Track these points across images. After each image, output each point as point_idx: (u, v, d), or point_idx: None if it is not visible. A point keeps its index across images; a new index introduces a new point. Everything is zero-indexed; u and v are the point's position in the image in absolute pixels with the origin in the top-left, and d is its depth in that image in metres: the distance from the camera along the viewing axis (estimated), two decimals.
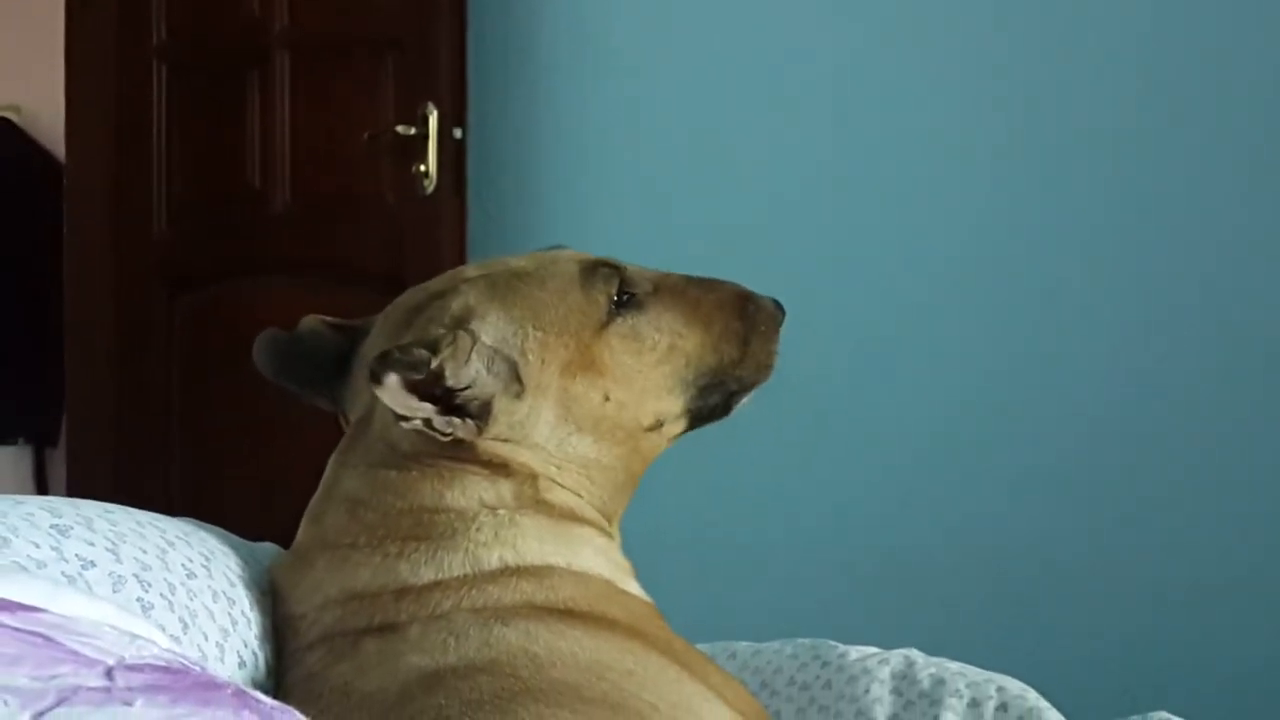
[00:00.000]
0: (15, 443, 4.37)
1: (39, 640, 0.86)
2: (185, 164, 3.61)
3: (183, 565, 1.28)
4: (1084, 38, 2.73)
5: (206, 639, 1.24)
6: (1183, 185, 2.65)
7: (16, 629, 0.86)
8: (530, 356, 1.31)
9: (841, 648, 1.66)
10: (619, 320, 1.35)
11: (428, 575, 1.27)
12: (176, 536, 1.32)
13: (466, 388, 1.29)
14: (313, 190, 3.38)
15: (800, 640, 1.70)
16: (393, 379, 1.25)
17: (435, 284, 1.38)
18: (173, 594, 1.24)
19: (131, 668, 0.87)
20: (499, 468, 1.31)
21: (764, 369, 1.41)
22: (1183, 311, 2.65)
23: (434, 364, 1.26)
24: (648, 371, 1.35)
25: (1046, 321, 2.76)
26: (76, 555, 1.20)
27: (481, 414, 1.29)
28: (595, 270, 1.36)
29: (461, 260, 3.05)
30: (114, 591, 1.19)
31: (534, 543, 1.30)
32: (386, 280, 2.93)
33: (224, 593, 1.30)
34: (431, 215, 3.15)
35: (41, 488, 4.36)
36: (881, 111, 2.89)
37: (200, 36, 3.59)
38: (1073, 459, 2.72)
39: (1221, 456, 2.61)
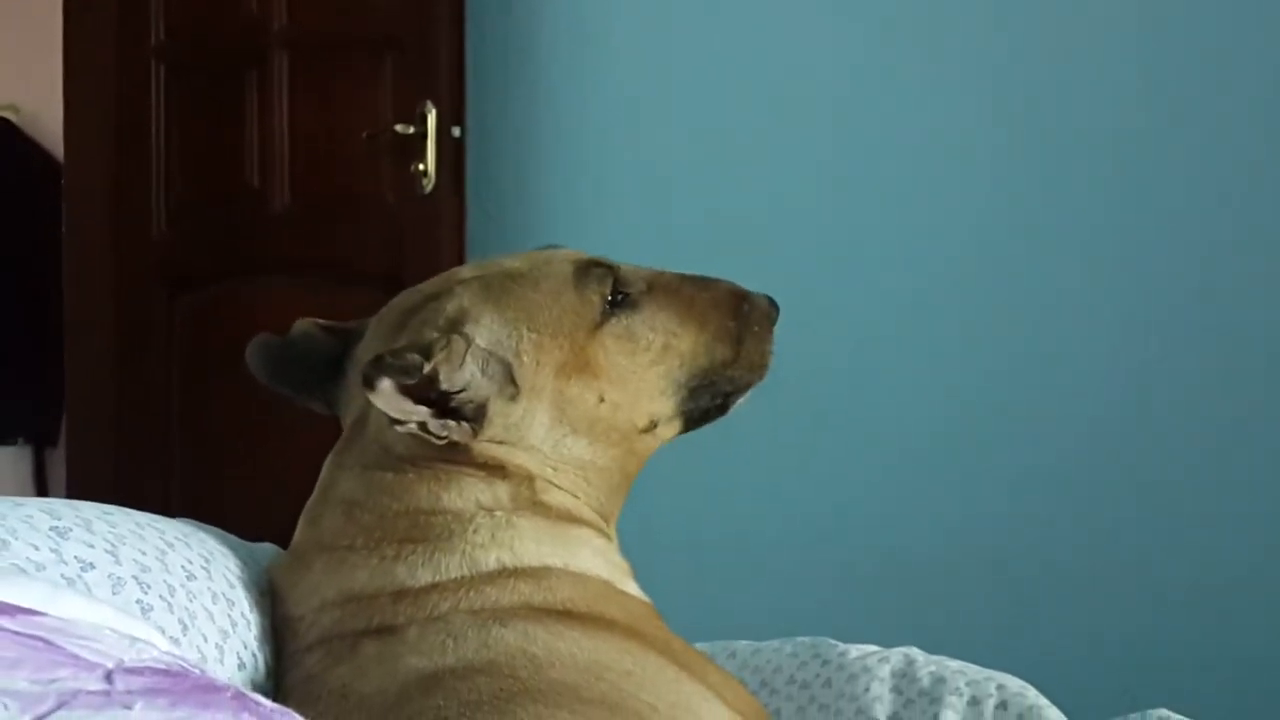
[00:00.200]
0: (15, 443, 4.38)
1: (38, 643, 0.86)
2: (184, 164, 3.61)
3: (182, 567, 1.28)
4: (1084, 37, 2.73)
5: (206, 640, 1.24)
6: (1182, 185, 2.65)
7: (16, 632, 0.86)
8: (525, 358, 1.31)
9: (841, 646, 1.66)
10: (613, 320, 1.35)
11: (425, 577, 1.27)
12: (176, 538, 1.32)
13: (461, 390, 1.29)
14: (312, 190, 3.38)
15: (800, 639, 1.70)
16: (387, 383, 1.24)
17: (429, 286, 1.38)
18: (172, 595, 1.24)
19: (131, 671, 0.87)
20: (495, 469, 1.31)
21: (758, 369, 1.41)
22: (1182, 311, 2.65)
23: (428, 368, 1.26)
24: (642, 372, 1.35)
25: (1046, 320, 2.76)
26: (76, 557, 1.20)
27: (476, 416, 1.29)
28: (589, 270, 1.36)
29: (461, 259, 3.05)
30: (113, 593, 1.19)
31: (531, 544, 1.30)
32: (386, 279, 2.93)
33: (223, 594, 1.30)
34: (430, 214, 3.15)
35: (41, 488, 4.36)
36: (881, 110, 2.89)
37: (199, 36, 3.59)
38: (1072, 457, 2.72)
39: (1221, 455, 2.61)
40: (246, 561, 1.38)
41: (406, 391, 1.26)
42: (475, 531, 1.29)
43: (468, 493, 1.30)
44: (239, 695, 0.88)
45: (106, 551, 1.22)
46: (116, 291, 3.69)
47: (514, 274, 1.35)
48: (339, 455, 1.36)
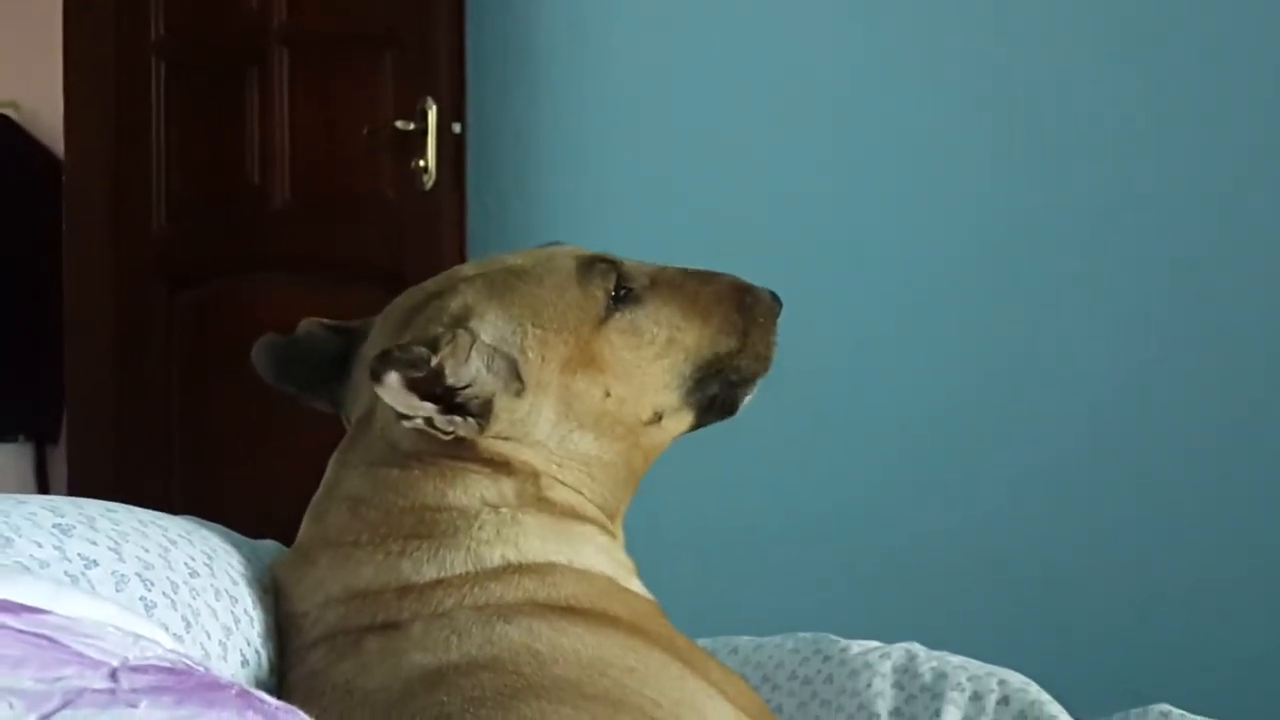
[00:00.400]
0: (16, 440, 4.38)
1: (43, 642, 0.86)
2: (184, 161, 3.61)
3: (185, 564, 1.28)
4: (1084, 37, 2.72)
5: (209, 637, 1.24)
6: (1182, 184, 2.65)
7: (21, 631, 0.86)
8: (530, 354, 1.31)
9: (843, 642, 1.66)
10: (617, 315, 1.35)
11: (430, 573, 1.27)
12: (178, 535, 1.32)
13: (467, 386, 1.29)
14: (312, 186, 3.38)
15: (802, 635, 1.70)
16: (393, 377, 1.25)
17: (433, 284, 1.38)
18: (175, 593, 1.24)
19: (136, 669, 0.87)
20: (500, 466, 1.31)
21: (762, 360, 1.41)
22: (1182, 310, 2.65)
23: (434, 362, 1.26)
24: (646, 366, 1.35)
25: (1046, 319, 2.76)
26: (79, 555, 1.20)
27: (482, 412, 1.30)
28: (592, 266, 1.36)
29: (461, 255, 3.05)
30: (117, 591, 1.19)
31: (536, 540, 1.30)
32: (387, 276, 2.94)
33: (226, 591, 1.30)
34: (431, 210, 3.15)
35: (42, 485, 4.36)
36: (881, 109, 2.89)
37: (199, 33, 3.59)
38: (1073, 454, 2.72)
39: (1221, 453, 2.61)
40: (249, 558, 1.38)
41: (413, 387, 1.26)
42: (480, 528, 1.29)
43: (473, 489, 1.31)
44: (244, 693, 0.88)
45: (110, 549, 1.22)
46: (117, 289, 3.70)
47: (517, 271, 1.36)
48: (344, 453, 1.36)
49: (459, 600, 1.26)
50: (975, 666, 1.61)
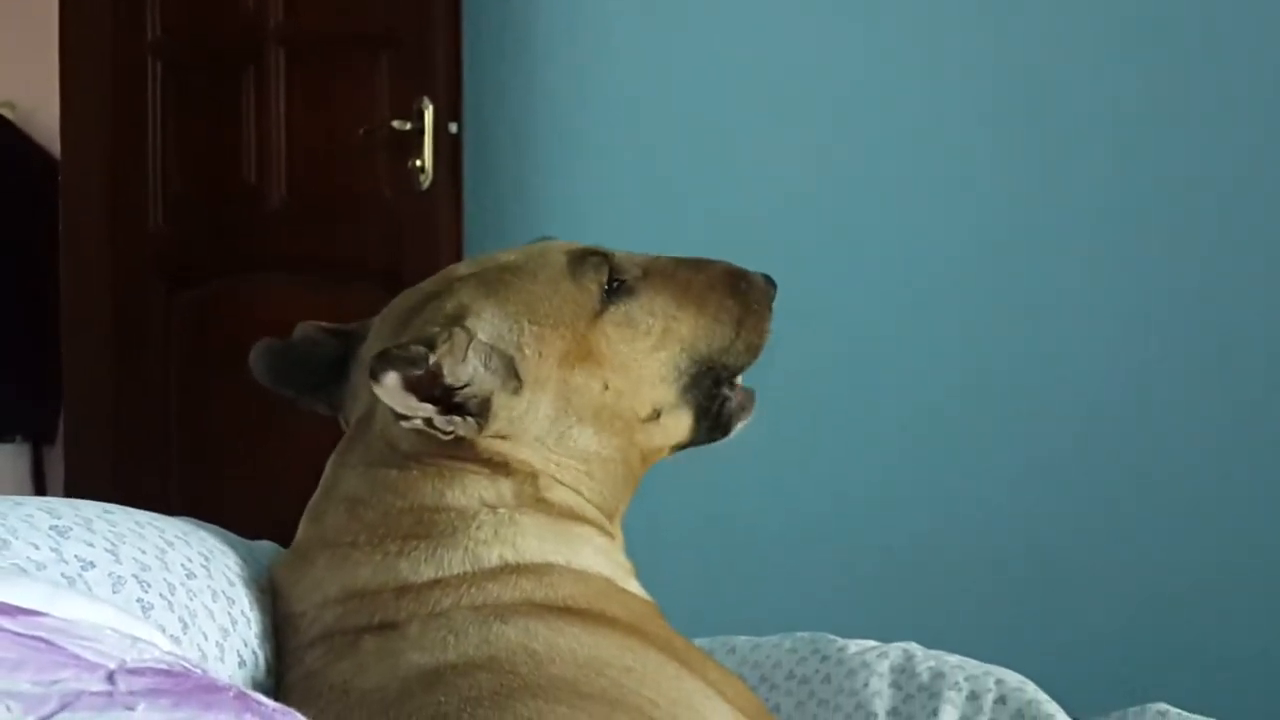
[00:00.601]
0: (13, 440, 4.38)
1: (40, 644, 0.86)
2: (181, 160, 3.61)
3: (182, 565, 1.28)
4: (1084, 36, 2.72)
5: (206, 638, 1.24)
6: (1181, 182, 2.65)
7: (18, 633, 0.86)
8: (527, 350, 1.32)
9: (840, 641, 1.67)
10: (612, 308, 1.35)
11: (428, 573, 1.27)
12: (175, 536, 1.32)
13: (465, 385, 1.29)
14: (309, 186, 3.38)
15: (799, 634, 1.70)
16: (392, 377, 1.25)
17: (428, 285, 1.38)
18: (172, 594, 1.24)
19: (133, 671, 0.87)
20: (499, 466, 1.31)
21: (753, 350, 1.41)
22: (1181, 307, 2.65)
23: (432, 360, 1.26)
24: (643, 358, 1.35)
25: (1045, 317, 2.76)
26: (76, 556, 1.20)
27: (481, 412, 1.30)
28: (584, 259, 1.36)
29: (459, 255, 3.05)
30: (114, 592, 1.19)
31: (534, 541, 1.30)
32: (384, 276, 2.94)
33: (223, 592, 1.30)
34: (428, 210, 3.15)
35: (39, 485, 4.36)
36: (881, 108, 2.89)
37: (195, 34, 3.59)
38: (1071, 452, 2.72)
39: (1220, 450, 2.61)
40: (246, 559, 1.38)
41: (411, 386, 1.26)
42: (479, 528, 1.29)
43: (471, 489, 1.31)
44: (241, 695, 0.88)
45: (107, 550, 1.22)
46: (114, 288, 3.70)
47: (510, 268, 1.36)
48: (342, 454, 1.36)
49: (456, 600, 1.26)
50: (972, 666, 1.61)
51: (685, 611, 1.54)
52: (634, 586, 1.36)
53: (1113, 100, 2.69)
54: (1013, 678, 1.59)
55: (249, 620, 1.30)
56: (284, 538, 1.42)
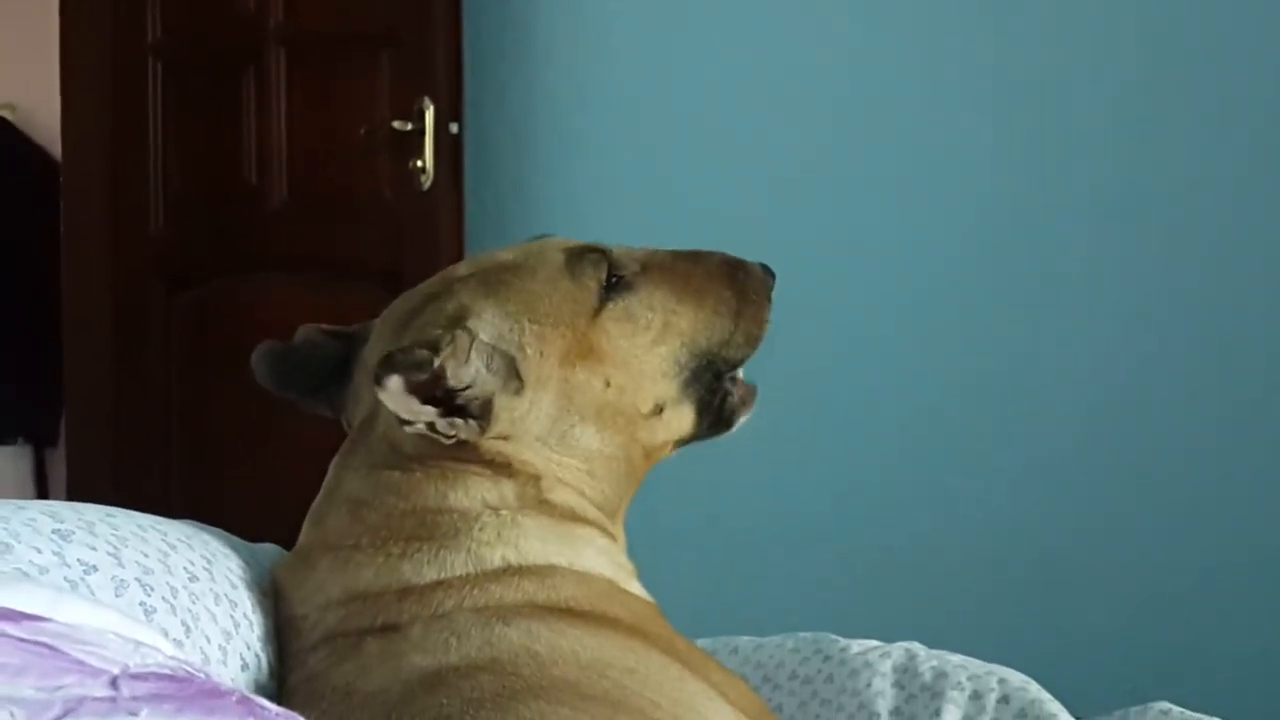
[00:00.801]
0: (15, 442, 4.38)
1: (44, 650, 0.86)
2: (182, 161, 3.61)
3: (184, 568, 1.28)
4: (1084, 32, 2.72)
5: (209, 642, 1.24)
6: (1182, 182, 2.65)
7: (21, 639, 0.86)
8: (528, 350, 1.31)
9: (843, 641, 1.67)
10: (611, 304, 1.35)
11: (430, 575, 1.27)
12: (178, 539, 1.32)
13: (467, 387, 1.29)
14: (310, 186, 3.38)
15: (802, 634, 1.70)
16: (396, 381, 1.25)
17: (428, 286, 1.38)
18: (175, 597, 1.24)
19: (136, 676, 0.87)
20: (502, 467, 1.31)
21: (752, 341, 1.41)
22: (1181, 306, 2.65)
23: (436, 363, 1.26)
24: (643, 354, 1.35)
25: (1045, 316, 2.76)
26: (79, 560, 1.20)
27: (483, 414, 1.30)
28: (582, 256, 1.36)
29: (460, 255, 3.05)
30: (116, 596, 1.19)
31: (536, 542, 1.30)
32: (385, 276, 2.94)
33: (226, 595, 1.30)
34: (429, 210, 3.15)
35: (41, 488, 4.36)
36: (881, 107, 2.89)
37: (196, 34, 3.59)
38: (1072, 451, 2.72)
39: (1220, 448, 2.61)
40: (248, 562, 1.38)
41: (415, 391, 1.26)
42: (481, 530, 1.29)
43: (474, 491, 1.31)
44: (244, 700, 0.88)
45: (109, 554, 1.22)
46: (115, 289, 3.70)
47: (510, 267, 1.36)
48: (345, 456, 1.36)
49: (459, 602, 1.26)
50: (975, 665, 1.61)
51: (687, 612, 1.55)
52: (636, 588, 1.36)
53: (1113, 100, 2.69)
54: (1015, 677, 1.59)
55: (251, 623, 1.30)
56: (286, 539, 1.42)
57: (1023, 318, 2.77)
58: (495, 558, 1.28)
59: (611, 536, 1.37)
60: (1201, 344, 2.63)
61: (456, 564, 1.27)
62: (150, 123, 3.62)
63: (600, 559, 1.33)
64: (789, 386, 2.82)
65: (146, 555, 1.25)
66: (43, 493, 4.32)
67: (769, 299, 1.42)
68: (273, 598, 1.34)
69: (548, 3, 3.19)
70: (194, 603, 1.25)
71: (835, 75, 2.93)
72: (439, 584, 1.26)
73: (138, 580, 1.22)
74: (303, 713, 1.09)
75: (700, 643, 1.42)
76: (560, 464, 1.33)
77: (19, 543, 1.18)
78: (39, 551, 1.18)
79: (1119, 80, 2.70)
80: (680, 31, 3.08)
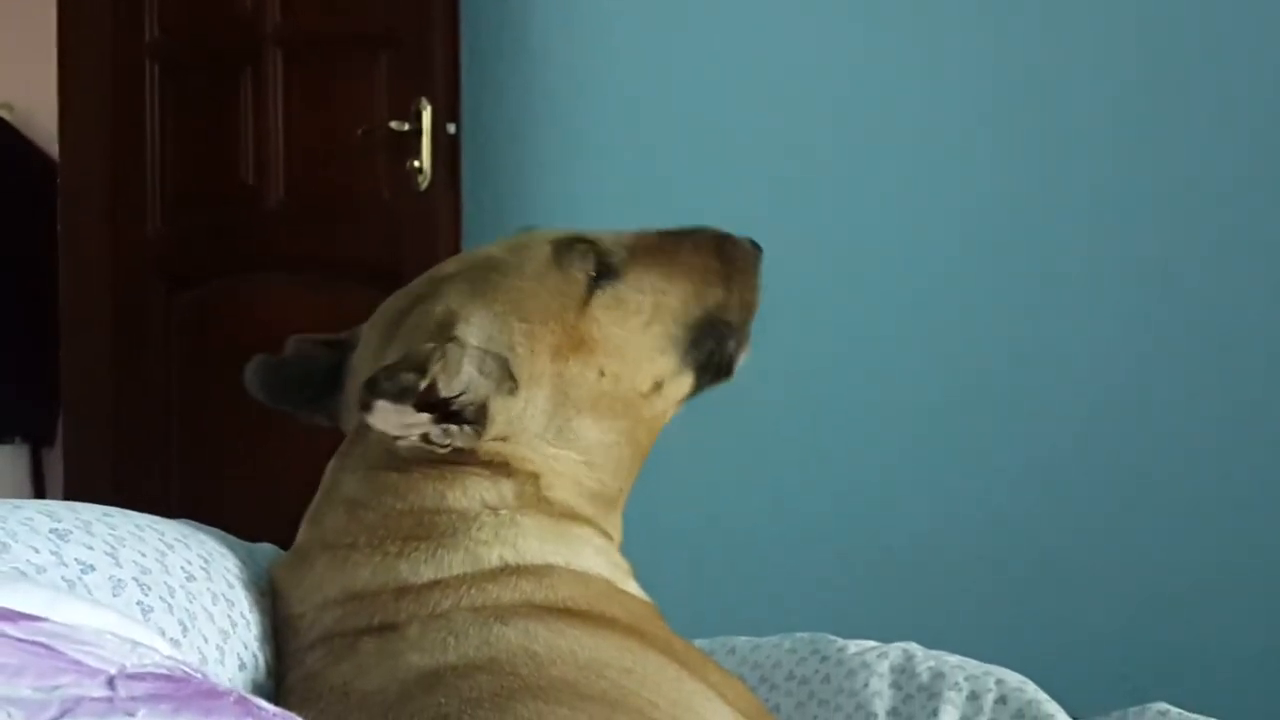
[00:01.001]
0: (12, 442, 4.38)
1: (41, 650, 0.86)
2: (180, 161, 3.61)
3: (182, 568, 1.28)
4: (1084, 31, 2.72)
5: (207, 641, 1.24)
6: (1181, 182, 2.65)
7: (19, 639, 0.86)
8: (519, 349, 1.31)
9: (840, 642, 1.66)
10: (599, 293, 1.34)
11: (427, 574, 1.27)
12: (175, 539, 1.32)
13: (461, 394, 1.29)
14: (307, 187, 3.38)
15: (799, 634, 1.70)
16: (382, 405, 1.24)
17: (416, 286, 1.38)
18: (172, 597, 1.24)
19: (133, 677, 0.87)
20: (500, 467, 1.31)
21: (749, 307, 1.41)
22: (1181, 306, 2.65)
23: (423, 385, 1.25)
24: (636, 337, 1.35)
25: (1045, 315, 2.76)
26: (76, 559, 1.20)
27: (478, 418, 1.29)
28: (570, 247, 1.36)
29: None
30: (114, 595, 1.19)
31: (534, 542, 1.30)
32: (383, 276, 2.92)
33: (223, 594, 1.30)
34: (426, 210, 3.15)
35: (39, 487, 4.36)
36: (881, 107, 2.89)
37: (193, 34, 3.59)
38: (1071, 451, 2.72)
39: (1220, 448, 2.61)
40: (246, 562, 1.38)
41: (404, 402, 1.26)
42: (479, 529, 1.29)
43: (473, 491, 1.30)
44: (241, 700, 0.88)
45: (106, 553, 1.22)
46: (113, 289, 3.70)
47: (496, 264, 1.35)
48: (343, 458, 1.36)
49: (456, 601, 1.25)
50: (973, 666, 1.61)
51: (685, 612, 1.54)
52: (633, 587, 1.35)
53: (1113, 100, 2.69)
54: (1013, 678, 1.59)
55: (249, 622, 1.30)
56: (285, 539, 1.42)
57: (1022, 318, 2.77)
58: (493, 557, 1.28)
59: (608, 535, 1.37)
60: (1201, 344, 2.63)
61: (454, 563, 1.27)
62: (148, 123, 3.62)
63: (598, 559, 1.33)
64: (789, 386, 2.84)
65: (144, 555, 1.25)
66: (40, 492, 4.33)
67: (757, 270, 1.42)
68: (270, 597, 1.34)
69: (545, 3, 3.19)
70: (191, 602, 1.25)
71: (835, 75, 2.93)
72: (436, 583, 1.26)
73: (135, 580, 1.22)
74: (300, 712, 1.09)
75: (698, 643, 1.42)
76: (559, 458, 1.33)
77: (16, 542, 1.17)
78: (36, 551, 1.18)
79: (1119, 80, 2.70)
80: (679, 31, 3.08)
